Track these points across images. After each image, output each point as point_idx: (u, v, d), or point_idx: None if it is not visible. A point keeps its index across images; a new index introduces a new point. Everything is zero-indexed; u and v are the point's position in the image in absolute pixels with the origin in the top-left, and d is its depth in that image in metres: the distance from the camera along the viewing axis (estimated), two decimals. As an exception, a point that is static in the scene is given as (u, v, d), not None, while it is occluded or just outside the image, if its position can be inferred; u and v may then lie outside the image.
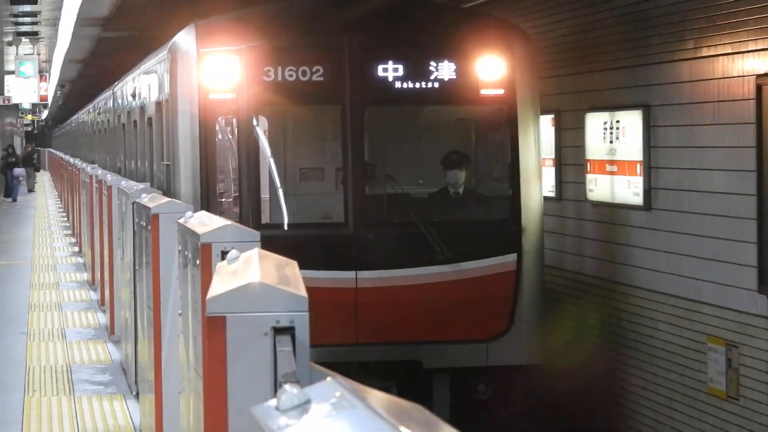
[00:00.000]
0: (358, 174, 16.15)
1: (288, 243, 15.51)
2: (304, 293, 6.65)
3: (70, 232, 41.87)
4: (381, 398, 5.10)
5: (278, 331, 6.20)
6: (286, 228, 16.53)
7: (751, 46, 15.83)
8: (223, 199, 16.42)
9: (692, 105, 17.29)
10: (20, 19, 33.61)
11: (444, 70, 16.15)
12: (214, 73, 15.85)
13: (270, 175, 16.64)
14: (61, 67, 54.93)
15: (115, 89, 36.14)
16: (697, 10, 17.10)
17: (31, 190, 73.01)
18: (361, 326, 15.82)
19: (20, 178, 67.31)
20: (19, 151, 74.12)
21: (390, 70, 16.11)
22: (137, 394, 15.91)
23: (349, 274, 15.91)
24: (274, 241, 14.62)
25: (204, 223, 10.11)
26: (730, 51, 16.15)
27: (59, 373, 18.78)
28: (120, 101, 33.68)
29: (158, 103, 19.56)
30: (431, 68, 16.18)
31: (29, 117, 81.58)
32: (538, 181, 16.75)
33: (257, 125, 16.19)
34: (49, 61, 54.00)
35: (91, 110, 52.65)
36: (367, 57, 16.18)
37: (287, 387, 5.13)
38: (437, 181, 17.10)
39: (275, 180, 16.69)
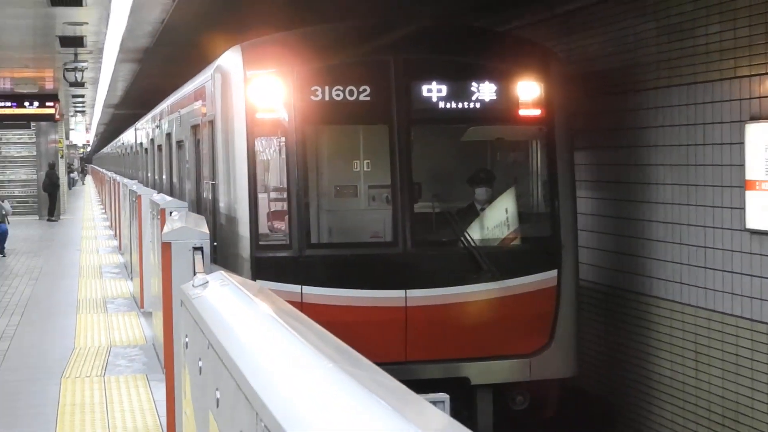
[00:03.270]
0: (407, 193, 9.67)
1: (337, 262, 9.55)
2: (206, 230, 6.82)
3: (101, 204, 44.03)
4: (243, 281, 5.13)
5: (195, 249, 6.30)
6: (335, 247, 9.93)
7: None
8: (271, 217, 10.04)
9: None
10: (77, 103, 33.91)
11: (485, 91, 9.83)
12: (261, 93, 9.55)
13: (318, 194, 10.16)
14: (96, 126, 60.73)
15: (137, 126, 28.37)
16: None
17: (83, 184, 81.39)
18: (410, 345, 9.59)
19: (75, 179, 75.08)
20: (76, 165, 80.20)
21: (434, 90, 9.76)
22: (132, 278, 16.67)
23: (399, 293, 9.53)
24: (323, 261, 9.47)
25: (161, 199, 10.54)
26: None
27: (95, 269, 20.18)
28: (140, 134, 25.66)
29: (194, 127, 12.60)
30: (473, 89, 9.82)
31: (81, 150, 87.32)
32: (574, 198, 10.21)
33: (305, 144, 9.70)
34: (90, 123, 55.33)
35: (114, 144, 52.36)
36: (413, 77, 9.78)
37: (197, 275, 5.42)
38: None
39: (323, 199, 10.25)
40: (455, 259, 9.65)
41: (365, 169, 10.60)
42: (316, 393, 2.53)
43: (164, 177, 18.37)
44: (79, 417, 8.35)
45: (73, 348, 11.43)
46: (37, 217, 34.86)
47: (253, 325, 3.68)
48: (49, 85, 24.58)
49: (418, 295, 9.44)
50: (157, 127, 19.86)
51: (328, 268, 9.33)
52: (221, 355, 3.45)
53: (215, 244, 9.43)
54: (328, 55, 9.59)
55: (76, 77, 18.87)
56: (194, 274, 5.74)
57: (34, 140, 36.78)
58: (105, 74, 22.30)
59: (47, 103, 25.63)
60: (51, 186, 33.88)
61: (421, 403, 2.45)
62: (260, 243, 9.19)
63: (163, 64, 19.08)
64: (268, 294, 4.70)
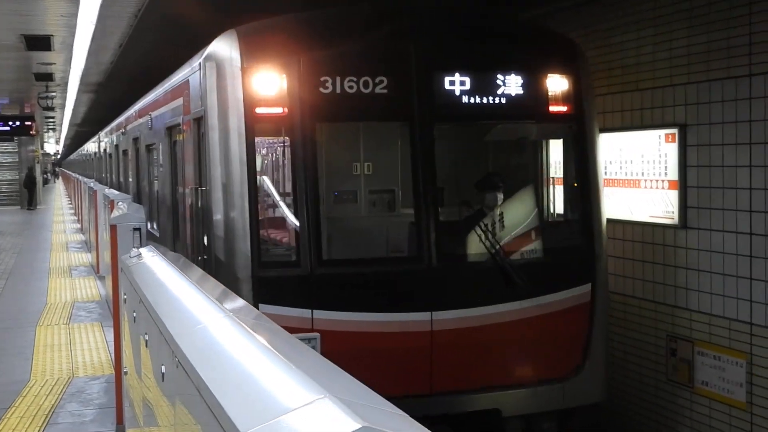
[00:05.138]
0: (430, 201, 5.48)
1: (353, 282, 5.36)
2: (143, 216, 6.50)
3: (68, 198, 41.99)
4: (170, 254, 5.05)
5: (134, 229, 5.98)
6: (350, 265, 5.43)
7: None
8: (275, 229, 5.78)
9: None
10: (48, 122, 32.48)
11: (512, 85, 5.73)
12: (261, 85, 5.31)
13: (328, 203, 6.31)
14: (64, 139, 56.65)
15: (100, 135, 21.51)
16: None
17: (54, 182, 77.01)
18: (436, 374, 5.45)
19: (48, 178, 70.12)
20: (49, 168, 76.40)
21: (457, 83, 5.59)
22: (90, 251, 16.51)
23: (424, 316, 5.38)
24: (337, 280, 5.40)
25: (111, 194, 10.15)
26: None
27: (63, 244, 19.79)
28: (105, 141, 19.09)
29: (170, 128, 7.60)
30: (499, 82, 5.69)
31: (53, 157, 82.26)
32: (603, 204, 6.11)
33: (314, 144, 5.41)
34: (59, 137, 52.84)
35: (79, 152, 45.75)
36: (436, 68, 5.60)
37: (133, 249, 5.24)
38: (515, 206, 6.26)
39: (334, 209, 6.46)
40: (486, 275, 5.77)
41: (366, 172, 6.75)
42: (217, 337, 2.48)
43: (130, 180, 12.75)
44: (50, 354, 8.14)
45: (46, 303, 11.10)
46: (19, 207, 33.91)
47: (171, 287, 3.60)
48: (27, 109, 24.05)
49: (445, 318, 5.56)
50: (122, 133, 14.24)
51: (343, 288, 5.47)
52: (148, 308, 3.37)
53: (204, 257, 5.93)
54: (339, 41, 5.67)
55: (47, 103, 18.36)
56: (132, 248, 5.56)
57: (16, 150, 37.11)
58: (69, 101, 21.65)
59: (26, 122, 24.96)
60: (30, 184, 33.50)
61: (295, 341, 2.41)
62: (262, 260, 5.40)
63: (115, 93, 18.59)
64: (187, 264, 4.48)
